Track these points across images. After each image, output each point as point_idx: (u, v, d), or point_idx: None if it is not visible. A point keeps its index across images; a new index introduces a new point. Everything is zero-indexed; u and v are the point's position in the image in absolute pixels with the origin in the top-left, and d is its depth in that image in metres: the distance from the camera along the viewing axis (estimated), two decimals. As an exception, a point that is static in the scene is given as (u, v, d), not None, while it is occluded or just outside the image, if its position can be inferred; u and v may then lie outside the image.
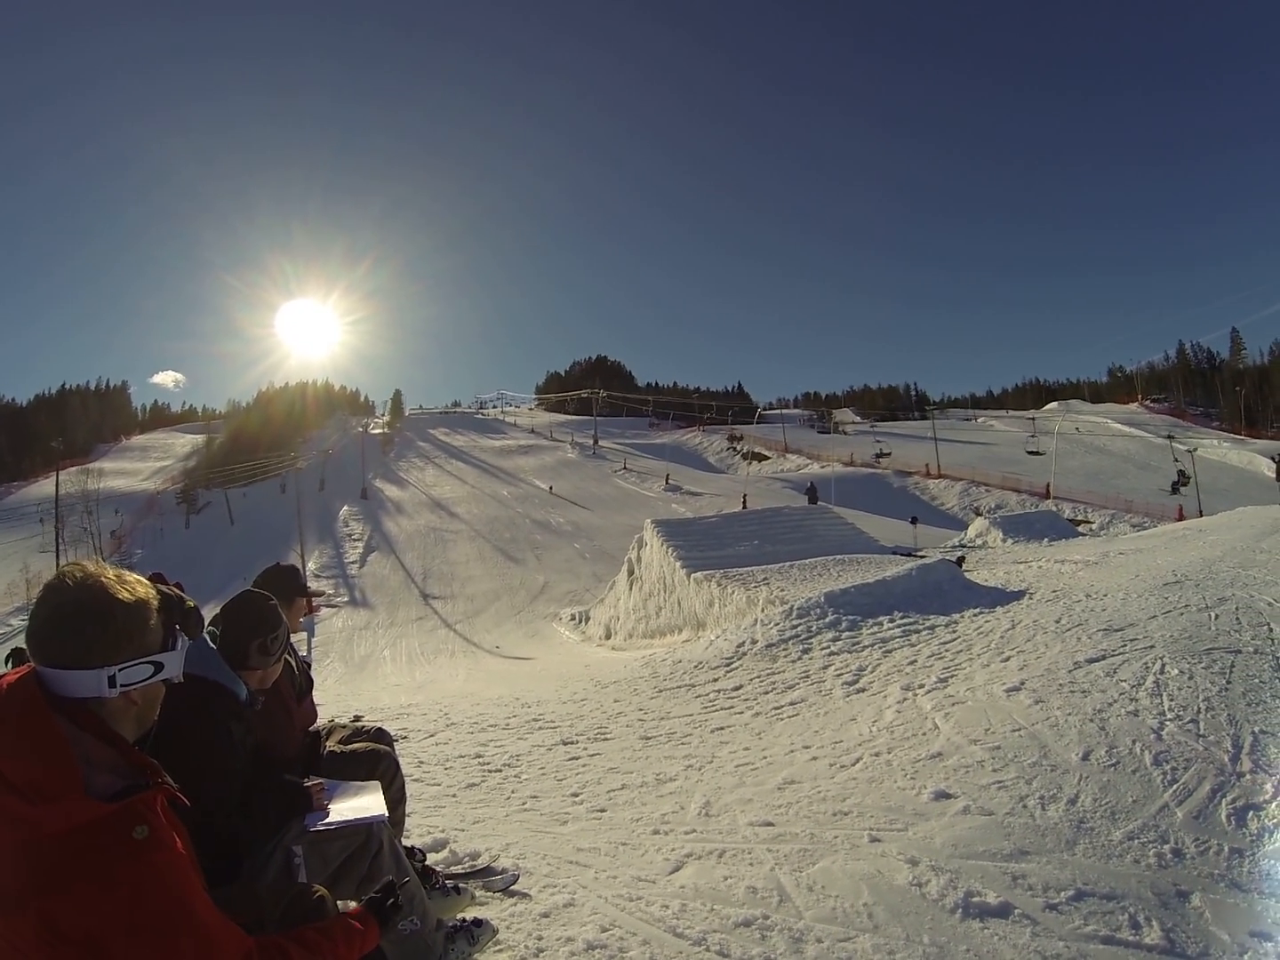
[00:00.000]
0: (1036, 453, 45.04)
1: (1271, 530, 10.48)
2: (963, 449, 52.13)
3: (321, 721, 2.83)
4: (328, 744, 2.59)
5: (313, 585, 24.29)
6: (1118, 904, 2.30)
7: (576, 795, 4.17)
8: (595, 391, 72.34)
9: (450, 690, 10.98)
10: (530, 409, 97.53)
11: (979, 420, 79.28)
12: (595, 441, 60.32)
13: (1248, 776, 3.04)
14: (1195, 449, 40.85)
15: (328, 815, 2.08)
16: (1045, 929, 2.22)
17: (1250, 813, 2.77)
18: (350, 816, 2.08)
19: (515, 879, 2.86)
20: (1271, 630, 4.89)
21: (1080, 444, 51.06)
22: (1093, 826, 2.77)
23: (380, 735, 2.78)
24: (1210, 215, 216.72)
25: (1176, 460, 39.45)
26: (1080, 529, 26.43)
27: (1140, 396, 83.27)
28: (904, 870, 2.60)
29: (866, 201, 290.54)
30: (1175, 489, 38.26)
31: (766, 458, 58.10)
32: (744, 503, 30.87)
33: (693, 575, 12.40)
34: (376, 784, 2.31)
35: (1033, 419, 61.91)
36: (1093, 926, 2.21)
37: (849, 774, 3.64)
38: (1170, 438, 44.36)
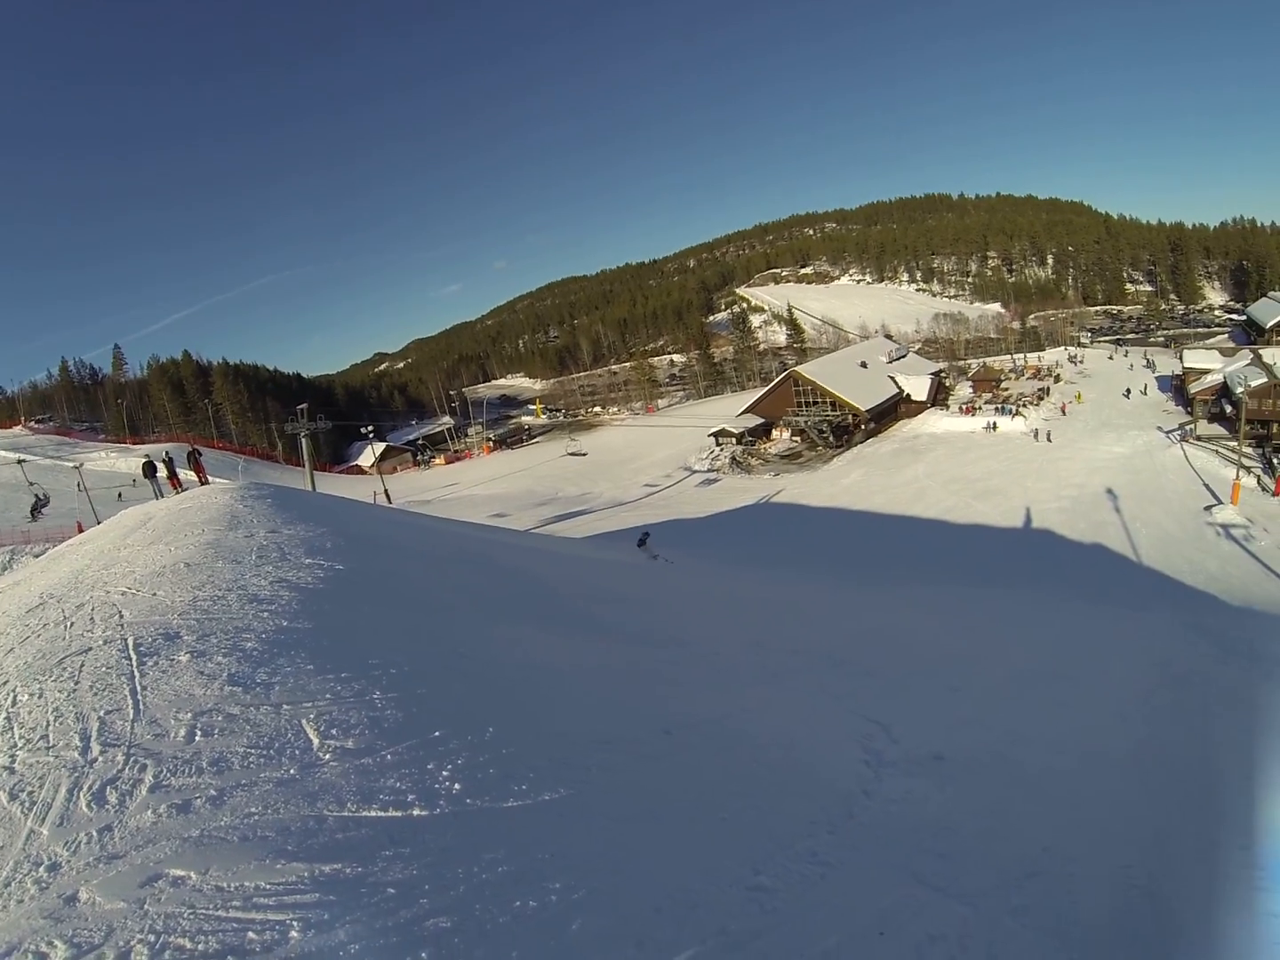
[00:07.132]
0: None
1: (138, 526, 10.74)
2: None
3: None
4: None
5: None
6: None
7: None
8: None
9: None
10: None
11: None
12: None
13: (100, 759, 3.30)
14: (82, 464, 40.48)
15: None
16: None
17: (108, 788, 3.03)
18: None
19: None
20: (123, 616, 5.33)
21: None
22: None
23: None
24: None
25: (32, 484, 38.46)
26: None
27: (24, 419, 77.90)
28: None
29: None
30: (36, 513, 36.91)
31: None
32: None
33: None
34: None
35: None
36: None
37: None
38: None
